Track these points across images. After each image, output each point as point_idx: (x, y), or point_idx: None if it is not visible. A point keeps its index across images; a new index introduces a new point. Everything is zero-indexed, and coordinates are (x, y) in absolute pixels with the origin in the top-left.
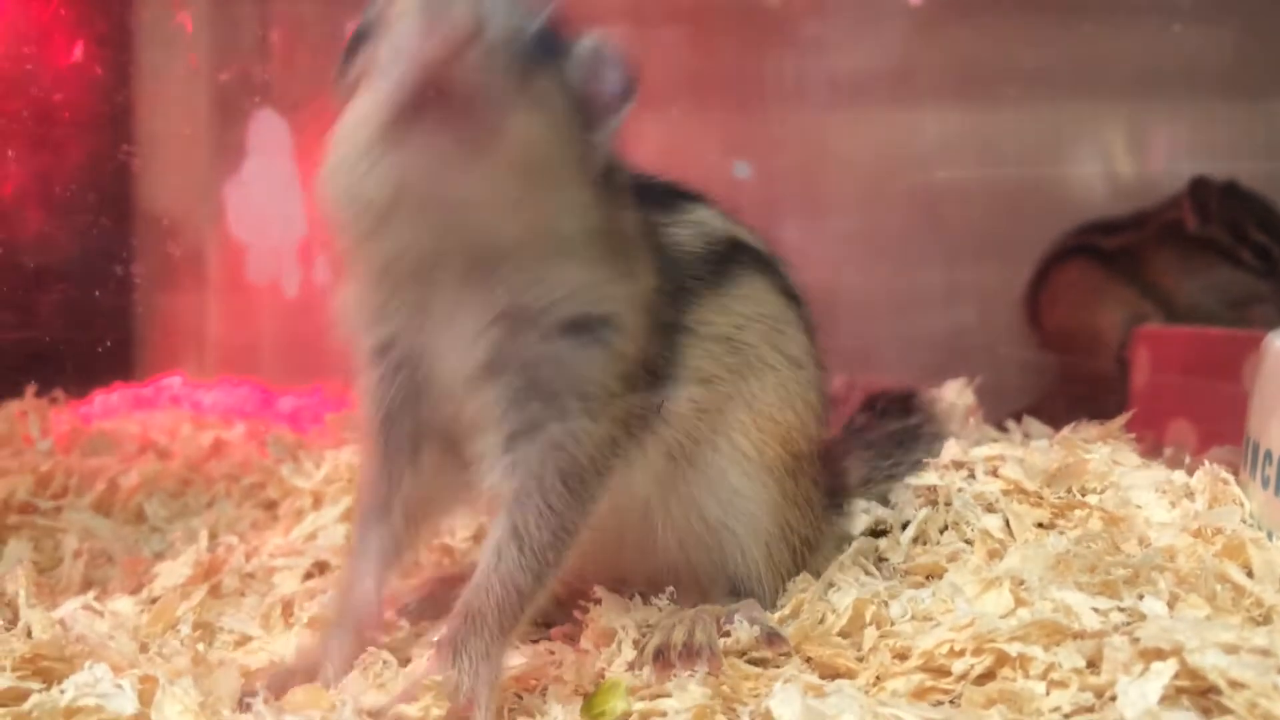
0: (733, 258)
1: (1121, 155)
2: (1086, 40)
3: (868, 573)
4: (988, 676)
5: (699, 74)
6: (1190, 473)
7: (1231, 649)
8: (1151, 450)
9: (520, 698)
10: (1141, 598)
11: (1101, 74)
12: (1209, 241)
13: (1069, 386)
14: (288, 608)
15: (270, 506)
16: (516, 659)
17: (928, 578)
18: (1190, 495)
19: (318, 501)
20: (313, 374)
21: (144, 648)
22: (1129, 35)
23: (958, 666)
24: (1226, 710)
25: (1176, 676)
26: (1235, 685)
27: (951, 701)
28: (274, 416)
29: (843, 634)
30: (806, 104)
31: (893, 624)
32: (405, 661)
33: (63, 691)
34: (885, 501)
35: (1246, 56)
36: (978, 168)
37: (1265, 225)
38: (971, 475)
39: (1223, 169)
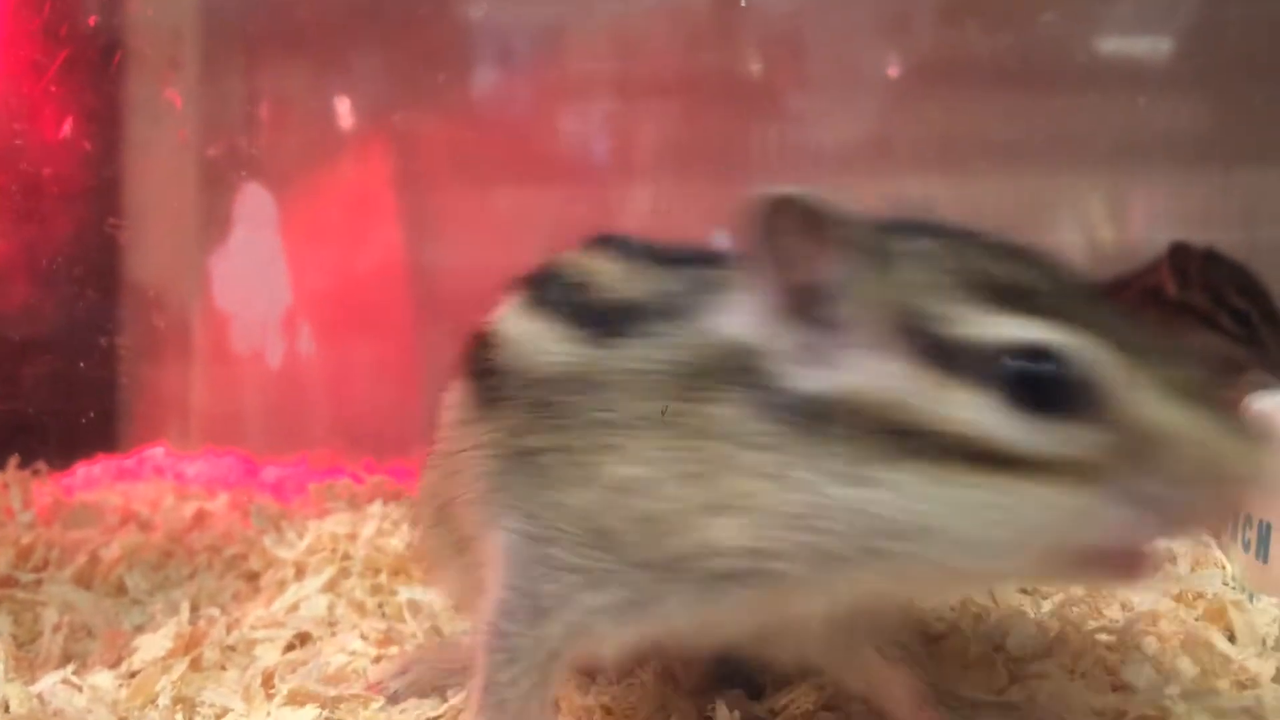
0: None
1: (1100, 223)
2: (1062, 112)
3: None
4: None
5: (685, 145)
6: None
7: (1219, 714)
8: None
9: None
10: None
11: (1078, 145)
12: (1187, 307)
13: None
14: (268, 680)
15: (252, 578)
16: None
17: None
18: (1173, 559)
19: (300, 572)
20: (297, 444)
21: None
22: (1104, 107)
23: None
24: None
25: None
26: None
27: None
28: (258, 486)
29: None
30: (789, 175)
31: None
32: None
33: None
34: None
35: (1220, 126)
36: None
37: (1244, 291)
38: None
39: (1198, 236)
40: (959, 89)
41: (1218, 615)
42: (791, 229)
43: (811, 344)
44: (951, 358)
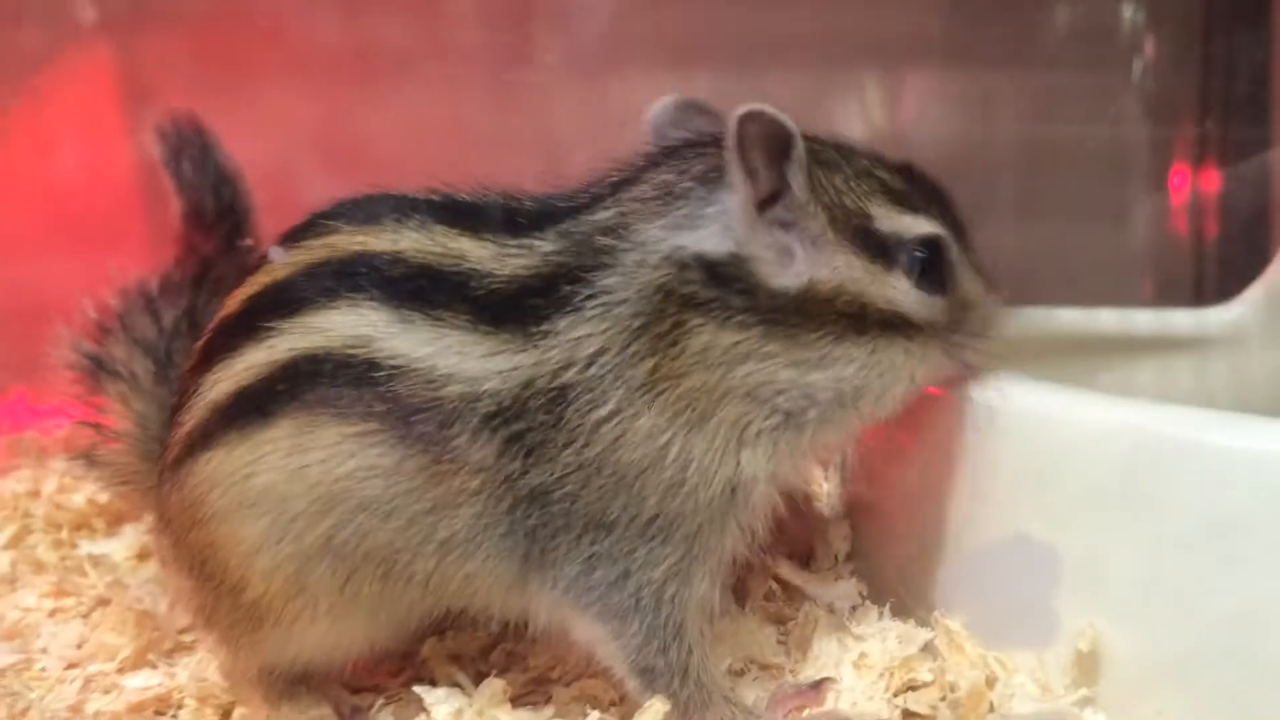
0: None
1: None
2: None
3: None
4: None
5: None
6: None
7: None
8: None
9: None
10: None
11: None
12: None
13: None
14: None
15: None
16: None
17: None
18: None
19: None
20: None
21: None
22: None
23: None
24: None
25: None
26: None
27: None
28: None
29: None
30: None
31: None
32: None
33: None
34: None
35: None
36: None
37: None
38: None
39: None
40: None
41: None
42: (759, 142)
43: (782, 244)
44: (881, 248)
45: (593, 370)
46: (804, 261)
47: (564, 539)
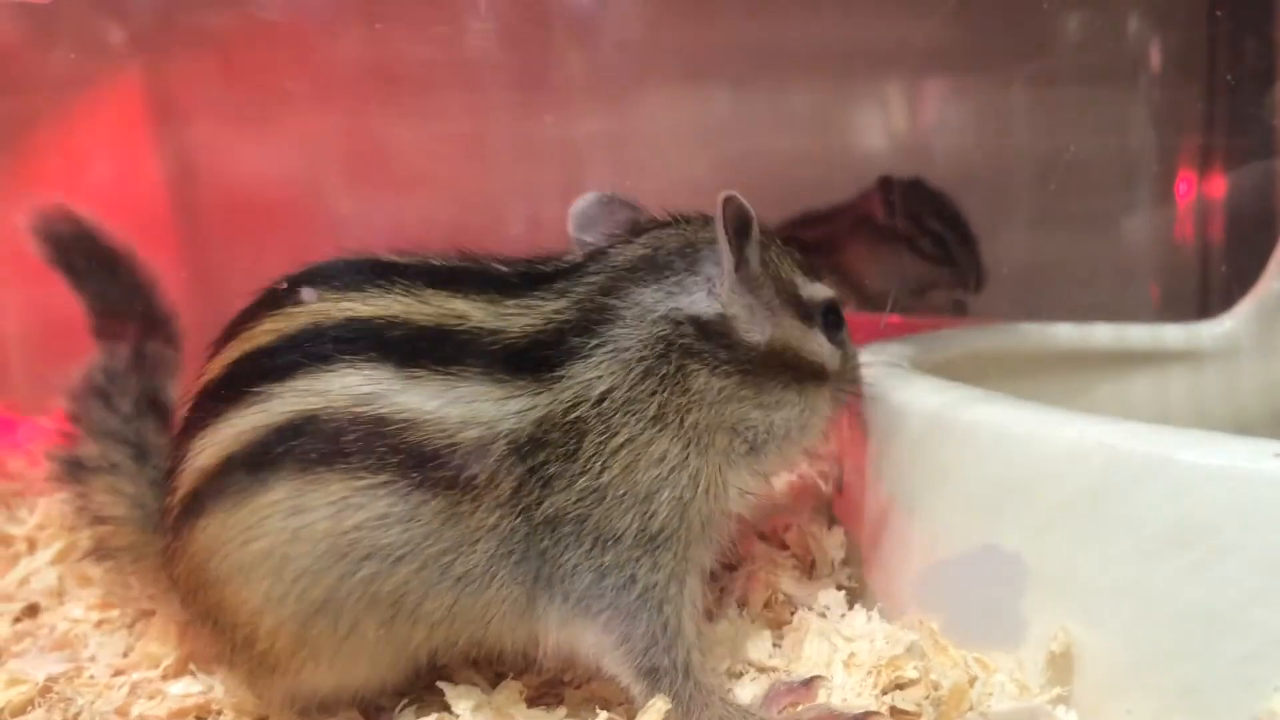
0: None
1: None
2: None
3: None
4: None
5: (465, 63)
6: None
7: None
8: None
9: None
10: None
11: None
12: (893, 232)
13: None
14: None
15: None
16: None
17: None
18: None
19: (32, 546)
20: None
21: None
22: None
23: None
24: None
25: None
26: None
27: None
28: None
29: None
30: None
31: None
32: None
33: None
34: None
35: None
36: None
37: (942, 216)
38: None
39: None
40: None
41: None
42: (733, 222)
43: (750, 306)
44: (805, 312)
45: (604, 405)
46: (763, 320)
47: (574, 555)
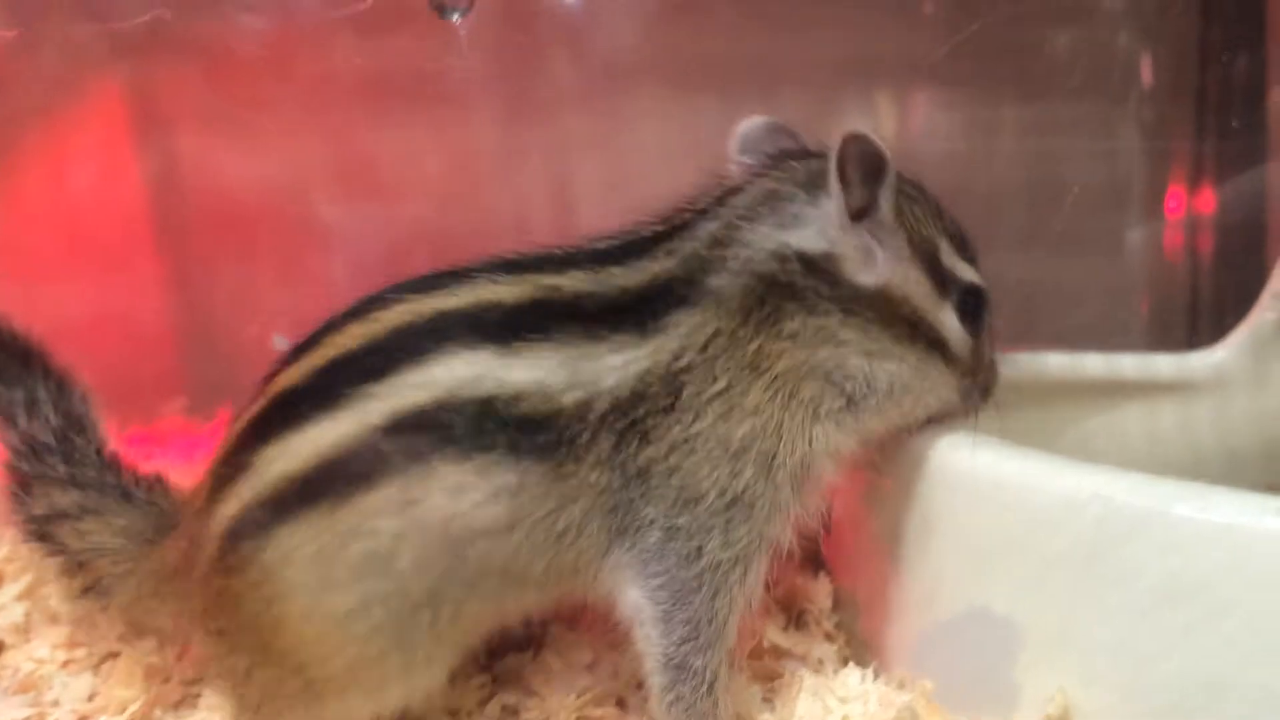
0: None
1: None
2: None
3: None
4: None
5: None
6: None
7: None
8: None
9: None
10: None
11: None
12: None
13: None
14: None
15: None
16: None
17: None
18: None
19: None
20: None
21: None
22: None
23: None
24: None
25: None
26: None
27: None
28: None
29: None
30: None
31: None
32: None
33: None
34: None
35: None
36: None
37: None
38: None
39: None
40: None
41: None
42: (858, 161)
43: (867, 248)
44: (941, 278)
45: (709, 351)
46: (883, 265)
47: (654, 510)
